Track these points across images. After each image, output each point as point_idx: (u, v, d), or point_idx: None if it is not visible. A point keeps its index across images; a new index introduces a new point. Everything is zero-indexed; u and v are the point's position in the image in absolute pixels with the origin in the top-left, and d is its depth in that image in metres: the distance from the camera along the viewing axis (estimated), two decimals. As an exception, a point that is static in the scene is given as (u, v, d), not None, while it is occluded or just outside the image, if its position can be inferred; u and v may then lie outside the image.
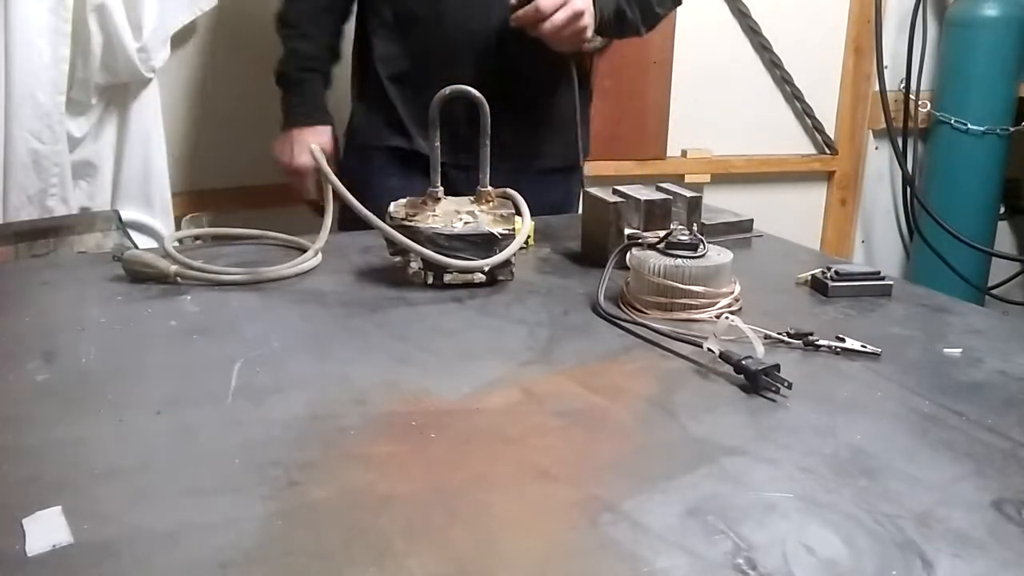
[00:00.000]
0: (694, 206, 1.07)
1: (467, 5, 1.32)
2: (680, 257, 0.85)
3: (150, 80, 1.62)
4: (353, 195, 0.96)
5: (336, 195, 0.99)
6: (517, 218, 0.98)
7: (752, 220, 1.18)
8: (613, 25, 1.31)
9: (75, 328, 0.81)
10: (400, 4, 1.36)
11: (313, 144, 1.17)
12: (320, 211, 1.14)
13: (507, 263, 0.95)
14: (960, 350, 0.79)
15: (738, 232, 1.15)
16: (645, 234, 0.95)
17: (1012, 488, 0.56)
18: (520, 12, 1.21)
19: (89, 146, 1.58)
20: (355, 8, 1.44)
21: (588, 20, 1.22)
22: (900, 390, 0.71)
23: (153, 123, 1.65)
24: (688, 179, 2.38)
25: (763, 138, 2.50)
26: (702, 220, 1.10)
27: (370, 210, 0.94)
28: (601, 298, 0.89)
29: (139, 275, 0.93)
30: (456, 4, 1.32)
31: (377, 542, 0.50)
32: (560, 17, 1.19)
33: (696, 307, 0.85)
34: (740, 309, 0.87)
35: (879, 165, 2.68)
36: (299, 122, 1.40)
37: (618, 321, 0.85)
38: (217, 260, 1.01)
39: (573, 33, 1.22)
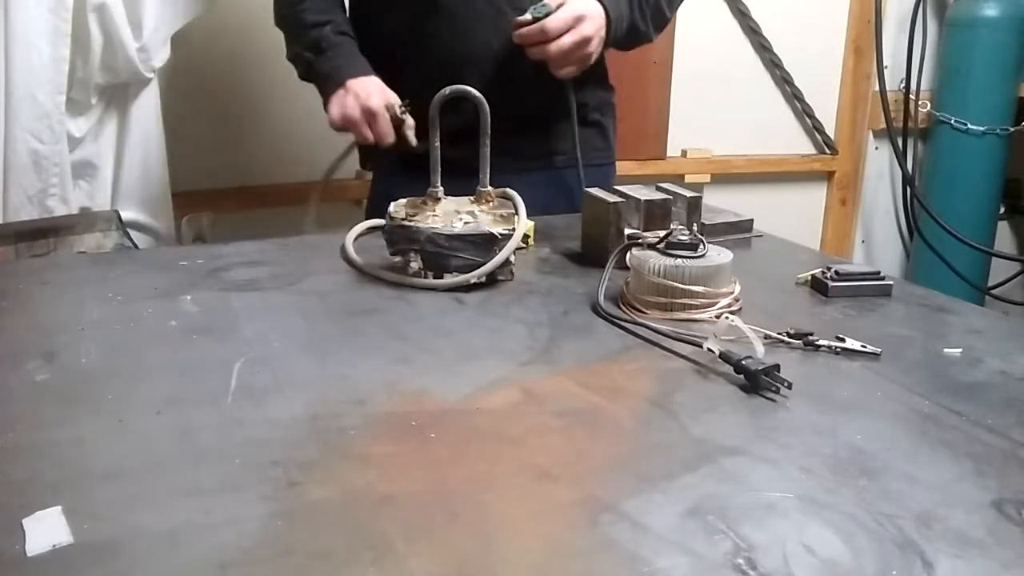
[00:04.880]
0: (694, 206, 1.07)
1: (461, 24, 1.27)
2: (680, 257, 0.85)
3: (150, 80, 1.62)
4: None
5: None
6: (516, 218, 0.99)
7: (752, 220, 1.18)
8: (623, 40, 1.27)
9: (75, 328, 0.81)
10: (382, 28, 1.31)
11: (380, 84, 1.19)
12: (371, 156, 1.22)
13: (507, 263, 0.95)
14: (960, 350, 0.79)
15: (738, 232, 1.15)
16: (645, 234, 0.95)
17: (1012, 488, 0.56)
18: (524, 30, 1.16)
19: (89, 146, 1.58)
20: None
21: (595, 47, 1.18)
22: (900, 390, 0.71)
23: (153, 123, 1.65)
24: (688, 179, 2.38)
25: (763, 138, 2.50)
26: (702, 220, 1.10)
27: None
28: (601, 298, 0.89)
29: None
30: (447, 27, 1.27)
31: (377, 542, 0.50)
32: (567, 41, 1.15)
33: (696, 307, 0.85)
34: (740, 309, 0.87)
35: (879, 165, 2.68)
36: (353, 73, 1.27)
37: (618, 321, 0.85)
38: (219, 260, 1.01)
39: (578, 59, 1.19)
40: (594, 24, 1.17)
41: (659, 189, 1.07)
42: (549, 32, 1.15)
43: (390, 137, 1.25)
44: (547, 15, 1.14)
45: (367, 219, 1.16)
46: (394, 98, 1.24)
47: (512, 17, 1.19)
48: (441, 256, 0.93)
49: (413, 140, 1.23)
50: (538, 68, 1.21)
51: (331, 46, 1.30)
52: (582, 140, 1.36)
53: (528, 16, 1.17)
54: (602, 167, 1.42)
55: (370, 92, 1.25)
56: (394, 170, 1.37)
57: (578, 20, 1.16)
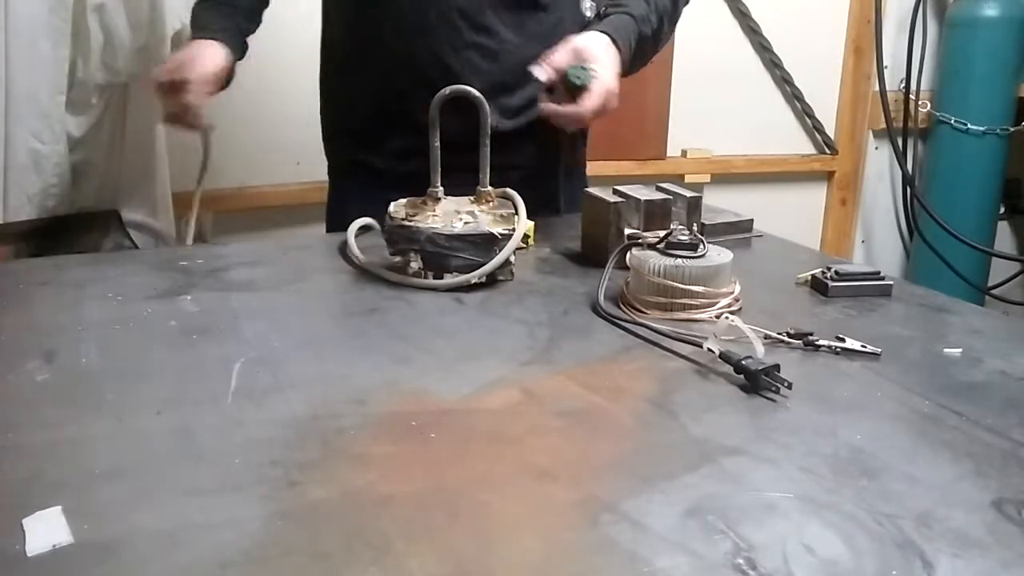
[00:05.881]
0: (694, 206, 1.07)
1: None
2: (680, 257, 0.85)
3: (150, 80, 1.62)
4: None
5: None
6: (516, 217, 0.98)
7: (752, 220, 1.18)
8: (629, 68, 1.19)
9: (75, 328, 0.81)
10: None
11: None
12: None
13: (507, 263, 0.95)
14: (960, 350, 0.79)
15: (738, 232, 1.15)
16: (645, 234, 0.95)
17: (1012, 488, 0.56)
18: (563, 112, 1.07)
19: (89, 146, 1.58)
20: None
21: (616, 91, 1.08)
22: (900, 390, 0.71)
23: (153, 123, 1.65)
24: (688, 179, 2.38)
25: (763, 138, 2.50)
26: (702, 220, 1.10)
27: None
28: (601, 298, 0.89)
29: None
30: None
31: (377, 542, 0.50)
32: (595, 117, 1.07)
33: (696, 307, 0.85)
34: (740, 309, 0.87)
35: (879, 165, 2.68)
36: (200, 35, 1.19)
37: (618, 321, 0.85)
38: (219, 260, 1.01)
39: (606, 111, 1.09)
40: (618, 88, 1.08)
41: (659, 189, 1.07)
42: (586, 117, 1.06)
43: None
44: (587, 82, 1.04)
45: (328, 230, 1.14)
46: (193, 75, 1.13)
47: (467, 35, 1.13)
48: (441, 256, 0.93)
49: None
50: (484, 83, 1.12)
51: (203, 9, 1.24)
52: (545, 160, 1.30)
53: (562, 73, 1.06)
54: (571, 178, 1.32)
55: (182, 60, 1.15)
56: (351, 183, 1.32)
57: (609, 96, 1.06)
